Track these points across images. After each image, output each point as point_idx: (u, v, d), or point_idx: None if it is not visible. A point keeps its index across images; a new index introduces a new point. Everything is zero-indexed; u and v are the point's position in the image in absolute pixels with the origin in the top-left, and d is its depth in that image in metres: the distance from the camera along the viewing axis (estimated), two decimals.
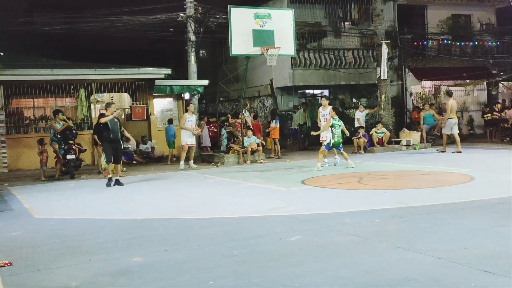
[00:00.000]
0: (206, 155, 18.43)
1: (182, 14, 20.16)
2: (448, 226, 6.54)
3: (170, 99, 20.32)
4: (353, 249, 5.72)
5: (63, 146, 14.34)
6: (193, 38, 20.37)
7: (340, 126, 13.58)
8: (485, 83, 24.88)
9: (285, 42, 16.21)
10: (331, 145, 13.49)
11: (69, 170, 14.40)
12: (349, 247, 5.78)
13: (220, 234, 6.79)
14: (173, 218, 8.10)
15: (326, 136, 13.68)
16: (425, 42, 24.76)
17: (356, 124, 19.54)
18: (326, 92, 24.52)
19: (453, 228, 6.44)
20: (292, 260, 5.38)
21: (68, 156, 14.23)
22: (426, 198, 8.53)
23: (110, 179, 12.20)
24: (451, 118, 16.80)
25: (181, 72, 22.30)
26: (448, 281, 4.49)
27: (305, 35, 22.61)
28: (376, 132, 19.01)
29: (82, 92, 18.75)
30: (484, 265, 4.84)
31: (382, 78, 19.78)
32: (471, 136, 23.36)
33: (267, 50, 15.84)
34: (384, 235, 6.29)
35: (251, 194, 10.19)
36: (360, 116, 19.60)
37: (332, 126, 13.43)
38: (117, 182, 12.23)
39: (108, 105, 12.70)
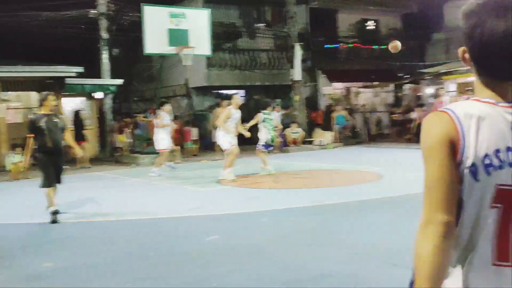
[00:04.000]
0: (119, 156, 18.00)
1: (93, 11, 19.55)
2: (361, 223, 6.79)
3: (83, 98, 19.63)
4: (270, 247, 5.80)
5: None
6: (105, 36, 19.80)
7: (272, 119, 12.43)
8: (392, 85, 26.11)
9: (201, 42, 16.16)
10: (269, 142, 12.22)
11: None
12: (267, 246, 5.86)
13: (136, 236, 6.65)
14: (87, 221, 7.83)
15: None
16: (336, 45, 25.57)
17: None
18: (241, 92, 24.70)
19: (365, 224, 6.70)
20: (210, 260, 5.37)
21: None
22: (339, 196, 8.81)
23: (56, 212, 7.68)
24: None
25: (94, 70, 21.61)
26: (362, 275, 4.67)
27: (220, 35, 22.65)
28: (290, 132, 19.39)
29: None
30: (393, 259, 5.06)
31: (295, 79, 20.21)
32: (380, 136, 24.38)
33: (182, 49, 15.71)
34: (300, 233, 6.43)
35: (168, 195, 10.07)
36: (276, 116, 19.90)
37: (263, 121, 12.13)
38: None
39: (43, 97, 8.21)
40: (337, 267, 4.92)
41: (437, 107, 17.45)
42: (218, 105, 20.65)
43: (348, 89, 25.41)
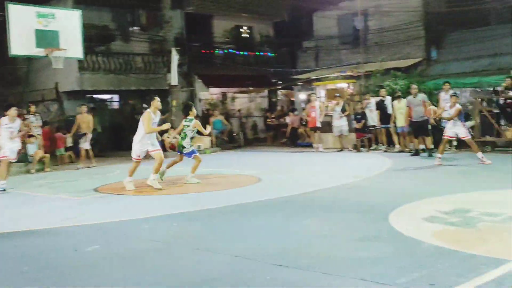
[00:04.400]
0: None
1: None
2: (243, 225, 6.90)
3: None
4: (153, 254, 5.68)
5: None
6: None
7: (188, 126, 11.32)
8: (266, 90, 26.88)
9: (72, 44, 15.44)
10: (179, 148, 11.48)
11: None
12: (150, 253, 5.73)
13: (7, 251, 6.18)
14: None
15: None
16: (212, 51, 25.78)
17: None
18: (116, 97, 24.00)
19: (248, 227, 6.81)
20: (90, 271, 5.14)
21: None
22: (221, 200, 8.86)
23: None
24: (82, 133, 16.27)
25: None
26: (246, 277, 4.73)
27: (93, 38, 21.84)
28: (168, 137, 19.19)
29: None
30: (276, 259, 5.19)
31: (172, 84, 20.05)
32: (256, 140, 24.97)
33: (52, 51, 14.91)
34: (184, 238, 6.38)
35: (40, 205, 9.47)
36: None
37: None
38: None
39: None
40: (222, 270, 4.94)
41: (310, 112, 18.37)
42: (93, 109, 19.95)
43: (224, 94, 25.72)
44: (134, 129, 11.18)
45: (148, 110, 10.65)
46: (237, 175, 12.57)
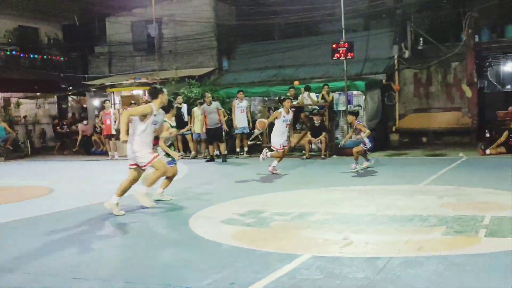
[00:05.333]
0: None
1: None
2: (40, 241, 6.34)
3: None
4: None
5: None
6: None
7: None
8: (55, 96, 25.35)
9: None
10: None
11: None
12: None
13: None
14: None
15: None
16: None
17: None
18: None
19: (38, 242, 6.28)
20: None
21: None
22: (8, 214, 8.08)
23: None
24: None
25: None
26: None
27: None
28: None
29: None
30: (74, 272, 4.92)
31: None
32: (44, 148, 23.38)
33: None
34: None
35: None
36: None
37: None
38: None
39: None
40: None
41: (105, 119, 17.81)
42: None
43: (7, 99, 23.61)
44: None
45: (150, 104, 7.74)
46: (24, 187, 11.59)
